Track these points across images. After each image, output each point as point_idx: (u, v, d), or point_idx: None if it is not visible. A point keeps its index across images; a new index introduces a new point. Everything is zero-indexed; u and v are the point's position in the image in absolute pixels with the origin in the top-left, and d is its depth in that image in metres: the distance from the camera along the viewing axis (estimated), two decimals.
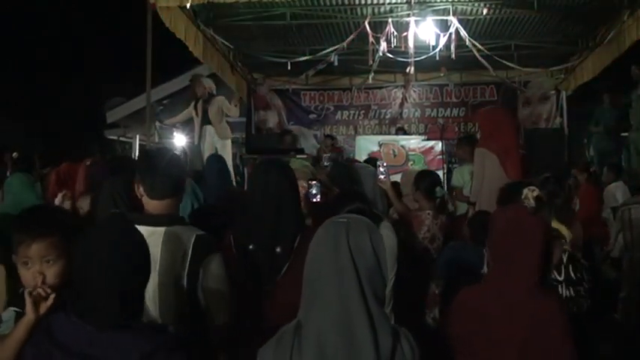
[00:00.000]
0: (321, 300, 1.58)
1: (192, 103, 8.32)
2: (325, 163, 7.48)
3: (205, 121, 8.11)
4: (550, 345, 2.02)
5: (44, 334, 1.70)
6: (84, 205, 3.75)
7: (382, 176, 4.10)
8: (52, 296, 1.82)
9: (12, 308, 1.96)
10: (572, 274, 2.83)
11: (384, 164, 4.22)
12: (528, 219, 2.24)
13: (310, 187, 3.35)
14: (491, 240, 2.27)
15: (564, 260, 2.85)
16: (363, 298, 1.58)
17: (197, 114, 8.20)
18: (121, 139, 14.17)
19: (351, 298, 1.57)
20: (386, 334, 1.57)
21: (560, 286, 2.80)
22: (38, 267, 1.92)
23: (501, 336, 2.07)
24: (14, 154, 5.89)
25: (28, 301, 1.80)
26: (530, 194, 2.94)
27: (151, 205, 2.38)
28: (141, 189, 2.39)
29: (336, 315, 1.56)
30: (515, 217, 2.28)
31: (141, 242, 1.81)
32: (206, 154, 7.39)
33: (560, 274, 2.81)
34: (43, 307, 1.80)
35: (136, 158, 7.46)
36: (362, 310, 1.56)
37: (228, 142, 8.22)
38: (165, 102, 12.72)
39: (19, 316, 1.89)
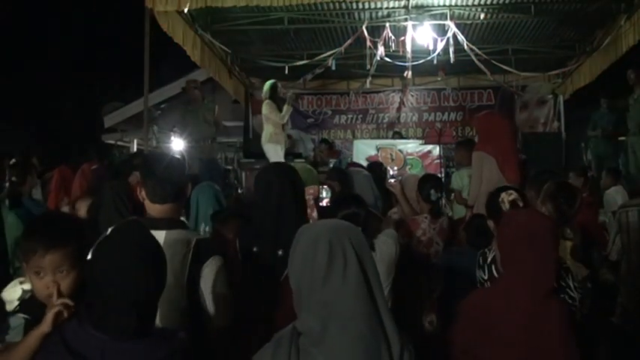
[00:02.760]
0: (339, 316, 1.56)
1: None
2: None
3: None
4: (553, 354, 2.01)
5: (58, 343, 1.68)
6: (81, 209, 3.75)
7: (393, 180, 4.14)
8: (71, 309, 1.79)
9: (21, 315, 1.92)
10: (561, 281, 2.81)
11: (395, 168, 4.28)
12: (540, 224, 2.23)
13: (320, 191, 3.39)
14: (502, 245, 2.25)
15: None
16: (376, 308, 1.59)
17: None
18: (119, 143, 14.16)
19: (367, 311, 1.57)
20: (396, 343, 1.59)
21: None
22: (51, 277, 1.88)
23: (507, 342, 2.05)
24: (12, 160, 5.85)
25: (49, 315, 1.76)
26: (506, 198, 2.96)
27: (153, 208, 2.39)
28: (143, 193, 2.41)
29: (357, 331, 1.55)
30: (526, 222, 2.27)
31: (158, 251, 1.79)
32: (275, 156, 7.24)
33: None
34: (60, 320, 1.77)
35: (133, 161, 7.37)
36: (378, 321, 1.58)
37: (279, 146, 7.76)
38: (162, 106, 12.72)
39: (27, 323, 1.87)
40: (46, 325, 1.75)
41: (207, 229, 3.36)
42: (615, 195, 6.72)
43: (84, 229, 2.04)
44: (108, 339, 1.64)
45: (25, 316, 1.90)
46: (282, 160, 7.14)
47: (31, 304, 1.91)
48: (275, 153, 7.45)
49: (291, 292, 1.67)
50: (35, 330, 1.77)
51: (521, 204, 3.16)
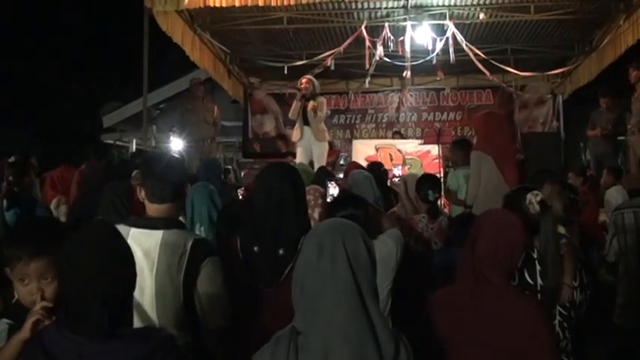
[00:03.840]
0: (324, 313, 1.58)
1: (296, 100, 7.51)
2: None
3: (304, 120, 7.37)
4: (521, 344, 2.01)
5: (37, 349, 1.67)
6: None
7: (397, 179, 4.17)
8: (52, 316, 1.78)
9: (5, 320, 1.92)
10: (584, 279, 2.83)
11: (399, 167, 4.30)
12: (500, 220, 2.25)
13: (327, 188, 3.39)
14: (467, 240, 2.27)
15: (579, 265, 2.85)
16: (364, 307, 1.60)
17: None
18: (118, 143, 14.16)
19: (354, 310, 1.59)
20: (388, 343, 1.59)
21: (574, 291, 2.78)
22: (36, 284, 1.87)
23: (474, 336, 2.05)
24: (11, 159, 5.85)
25: (28, 322, 1.76)
26: (534, 199, 2.91)
27: (152, 209, 2.40)
28: (142, 193, 2.42)
29: (341, 329, 1.57)
30: (486, 218, 2.30)
31: (122, 250, 1.76)
32: (300, 155, 7.20)
33: (575, 280, 2.80)
34: (40, 326, 1.76)
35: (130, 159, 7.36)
36: (365, 321, 1.59)
37: (325, 144, 7.54)
38: (161, 106, 12.73)
39: (11, 328, 1.86)
40: (25, 332, 1.75)
41: (202, 229, 3.36)
42: (616, 194, 6.70)
43: (70, 234, 2.00)
44: (84, 341, 1.62)
45: (10, 321, 1.90)
46: (305, 159, 7.13)
47: (19, 309, 1.90)
48: (300, 151, 7.36)
49: (290, 291, 1.70)
50: (16, 336, 1.77)
51: (550, 203, 3.10)
